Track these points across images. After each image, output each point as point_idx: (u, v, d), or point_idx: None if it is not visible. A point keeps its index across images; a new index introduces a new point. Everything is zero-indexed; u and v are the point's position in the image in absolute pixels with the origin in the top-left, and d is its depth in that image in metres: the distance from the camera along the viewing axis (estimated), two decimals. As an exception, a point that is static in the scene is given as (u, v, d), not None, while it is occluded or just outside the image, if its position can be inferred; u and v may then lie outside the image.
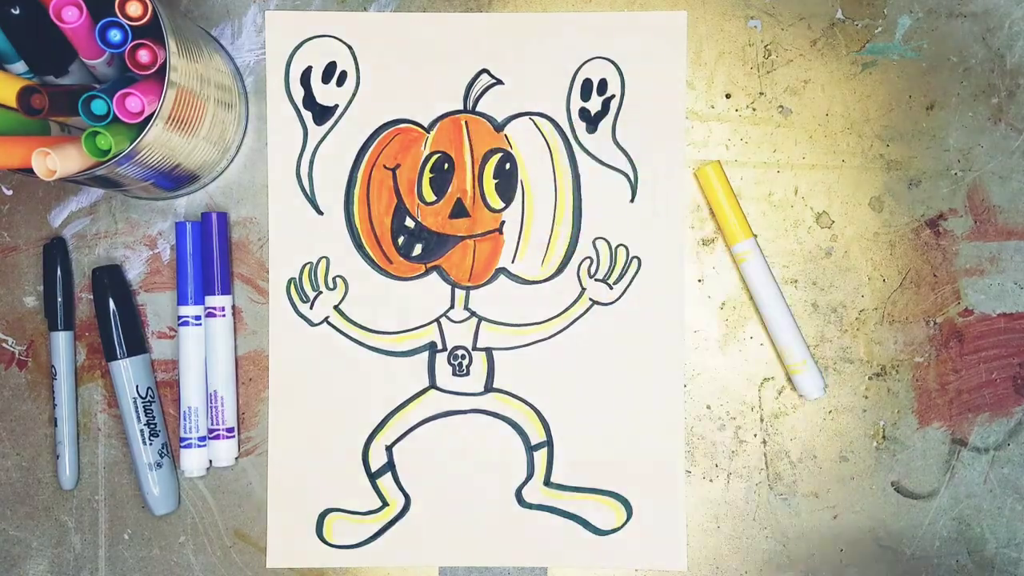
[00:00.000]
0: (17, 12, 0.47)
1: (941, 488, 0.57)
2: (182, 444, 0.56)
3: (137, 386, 0.56)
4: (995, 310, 0.57)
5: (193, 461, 0.56)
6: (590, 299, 0.57)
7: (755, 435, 0.57)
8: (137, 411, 0.56)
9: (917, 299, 0.57)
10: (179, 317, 0.56)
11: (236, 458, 0.57)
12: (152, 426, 0.56)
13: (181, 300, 0.56)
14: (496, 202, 0.57)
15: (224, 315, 0.56)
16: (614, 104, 0.57)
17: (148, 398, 0.56)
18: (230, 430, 0.56)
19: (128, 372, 0.55)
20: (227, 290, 0.56)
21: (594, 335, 0.57)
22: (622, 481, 0.57)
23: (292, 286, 0.57)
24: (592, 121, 0.57)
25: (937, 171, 0.57)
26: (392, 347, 0.57)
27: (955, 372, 0.57)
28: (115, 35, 0.45)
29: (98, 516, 0.57)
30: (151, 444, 0.56)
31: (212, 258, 0.56)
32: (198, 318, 0.56)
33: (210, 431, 0.56)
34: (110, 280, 0.56)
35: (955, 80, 0.57)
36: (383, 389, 0.57)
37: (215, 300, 0.56)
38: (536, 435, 0.57)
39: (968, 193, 0.57)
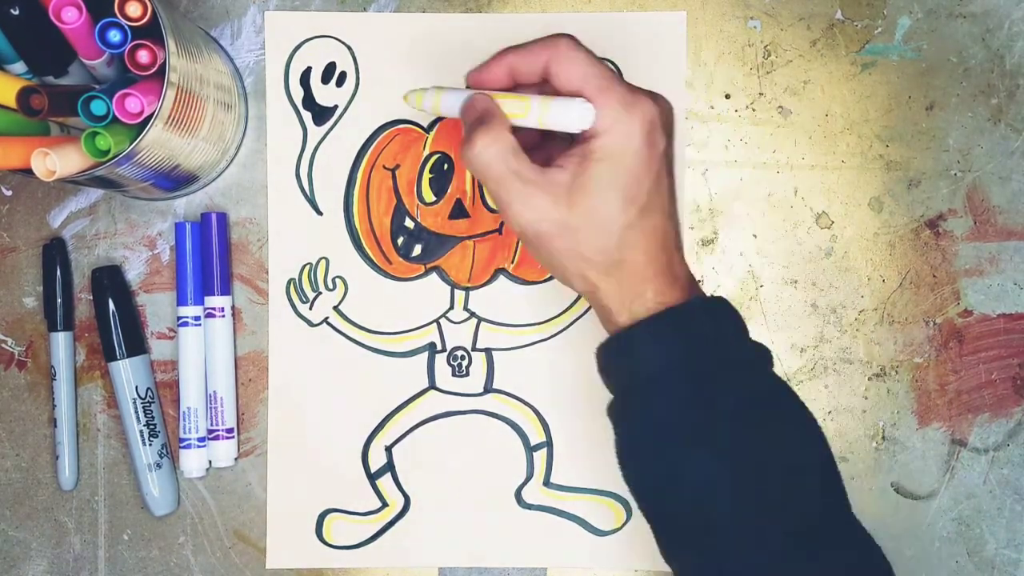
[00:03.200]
0: (17, 12, 0.47)
1: (941, 489, 0.57)
2: (182, 445, 0.56)
3: (136, 386, 0.56)
4: (995, 310, 0.57)
5: (192, 462, 0.56)
6: (590, 299, 0.57)
7: (755, 436, 0.57)
8: (136, 412, 0.56)
9: (917, 299, 0.57)
10: (178, 318, 0.56)
11: (236, 459, 0.57)
12: (152, 427, 0.56)
13: (181, 301, 0.56)
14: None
15: (224, 316, 0.56)
16: (614, 104, 0.57)
17: (148, 399, 0.56)
18: (229, 431, 0.56)
19: (127, 372, 0.55)
20: (227, 290, 0.56)
21: (594, 336, 0.57)
22: (622, 482, 0.57)
23: (292, 287, 0.57)
24: (592, 121, 0.57)
25: (937, 171, 0.57)
26: (392, 348, 0.57)
27: (955, 373, 0.57)
28: (115, 35, 0.45)
29: (98, 517, 0.57)
30: (151, 445, 0.56)
31: (212, 258, 0.56)
32: (197, 319, 0.56)
33: (209, 431, 0.56)
34: (110, 280, 0.56)
35: (955, 81, 0.57)
36: (383, 390, 0.57)
37: (215, 300, 0.56)
38: (536, 436, 0.57)
39: (967, 193, 0.57)
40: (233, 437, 0.56)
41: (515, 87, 0.46)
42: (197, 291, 0.56)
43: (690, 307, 0.44)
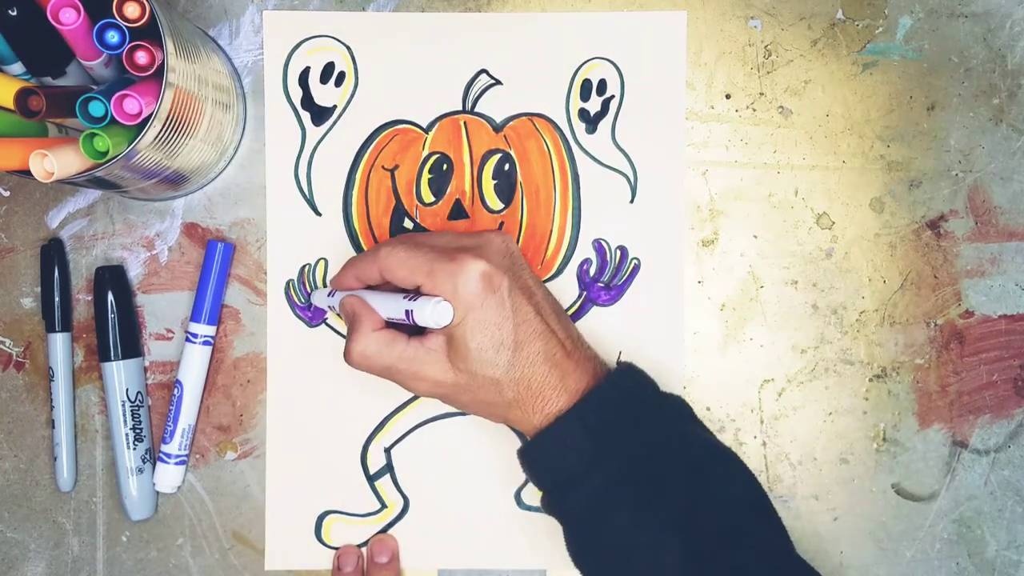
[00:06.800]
0: (14, 13, 0.47)
1: (941, 490, 0.57)
2: (171, 460, 0.56)
3: (127, 389, 0.55)
4: (996, 312, 0.57)
5: (172, 478, 0.56)
6: (589, 300, 0.57)
7: (755, 437, 0.57)
8: (124, 415, 0.55)
9: (918, 300, 0.57)
10: (188, 333, 0.55)
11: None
12: (138, 431, 0.56)
13: (195, 317, 0.55)
14: (495, 203, 0.57)
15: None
16: (614, 105, 0.57)
17: (137, 402, 0.56)
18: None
19: (120, 374, 0.55)
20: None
21: (593, 337, 0.57)
22: (622, 483, 0.57)
23: (290, 287, 0.57)
24: (591, 122, 0.57)
25: (938, 172, 0.57)
26: (391, 349, 0.57)
27: (956, 374, 0.57)
28: (113, 36, 0.45)
29: (96, 518, 0.57)
30: (134, 449, 0.56)
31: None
32: (207, 340, 0.56)
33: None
34: (112, 279, 0.55)
35: (956, 81, 0.57)
36: (381, 391, 0.57)
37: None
38: (535, 437, 0.57)
39: (969, 194, 0.57)
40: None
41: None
42: (213, 311, 0.56)
43: (596, 393, 0.48)
